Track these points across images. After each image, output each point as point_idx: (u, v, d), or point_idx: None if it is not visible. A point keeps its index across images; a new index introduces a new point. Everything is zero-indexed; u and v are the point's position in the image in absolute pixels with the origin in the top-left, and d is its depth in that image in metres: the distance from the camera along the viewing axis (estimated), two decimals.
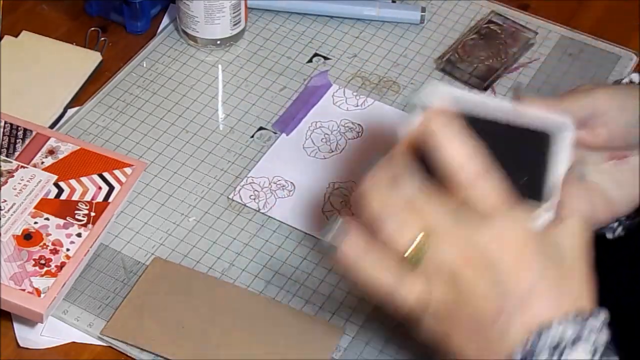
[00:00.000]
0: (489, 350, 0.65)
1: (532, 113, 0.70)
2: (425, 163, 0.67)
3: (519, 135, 0.69)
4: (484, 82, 1.03)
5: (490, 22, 1.09)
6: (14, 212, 0.87)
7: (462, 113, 0.68)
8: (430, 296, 0.66)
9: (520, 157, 0.70)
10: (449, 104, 0.68)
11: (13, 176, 0.90)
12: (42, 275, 0.83)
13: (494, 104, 0.69)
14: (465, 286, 0.65)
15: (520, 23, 1.09)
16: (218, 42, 1.07)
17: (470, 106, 0.68)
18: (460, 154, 0.66)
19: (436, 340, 0.68)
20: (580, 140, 0.80)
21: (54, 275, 0.83)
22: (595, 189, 0.82)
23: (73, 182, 0.90)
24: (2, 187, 0.89)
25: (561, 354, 0.63)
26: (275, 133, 1.00)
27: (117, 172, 0.92)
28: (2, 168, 0.91)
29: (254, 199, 0.94)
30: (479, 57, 1.05)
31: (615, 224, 0.86)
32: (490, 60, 1.05)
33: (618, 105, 0.81)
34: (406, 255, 0.66)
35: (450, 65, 1.05)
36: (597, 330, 0.65)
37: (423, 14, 1.10)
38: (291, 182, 0.95)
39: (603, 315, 0.66)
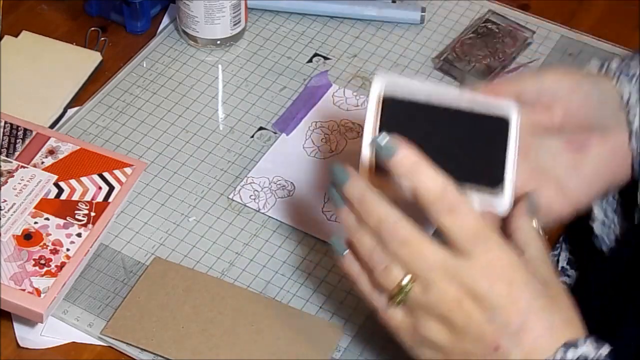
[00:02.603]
0: None
1: (482, 99, 0.70)
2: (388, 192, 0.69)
3: (470, 122, 0.70)
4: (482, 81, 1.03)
5: (487, 21, 1.09)
6: (14, 212, 0.87)
7: (411, 102, 0.69)
8: (422, 332, 0.69)
9: (472, 143, 0.70)
10: (400, 93, 0.68)
11: (13, 176, 0.90)
12: (42, 275, 0.83)
13: (444, 91, 0.70)
14: (459, 324, 0.67)
15: (518, 22, 1.09)
16: (218, 42, 1.07)
17: (420, 94, 0.69)
18: (435, 186, 0.67)
19: None
20: (537, 122, 0.78)
21: (54, 275, 0.83)
22: (549, 178, 0.79)
23: (73, 182, 0.90)
24: (2, 187, 0.89)
25: None
26: (275, 133, 1.00)
27: (117, 172, 0.92)
28: (2, 168, 0.91)
29: (254, 199, 0.94)
30: (476, 56, 1.05)
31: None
32: (488, 60, 1.05)
33: (568, 85, 0.78)
34: (392, 297, 0.69)
35: (448, 65, 1.05)
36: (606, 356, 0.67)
37: (423, 14, 1.10)
38: (291, 182, 0.95)
39: (607, 348, 0.67)
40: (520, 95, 0.76)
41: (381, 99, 0.72)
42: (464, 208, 0.67)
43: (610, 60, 0.81)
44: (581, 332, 0.68)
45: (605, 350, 0.67)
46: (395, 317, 0.70)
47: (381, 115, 0.72)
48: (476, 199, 0.68)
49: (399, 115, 0.71)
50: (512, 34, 1.08)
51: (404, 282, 0.68)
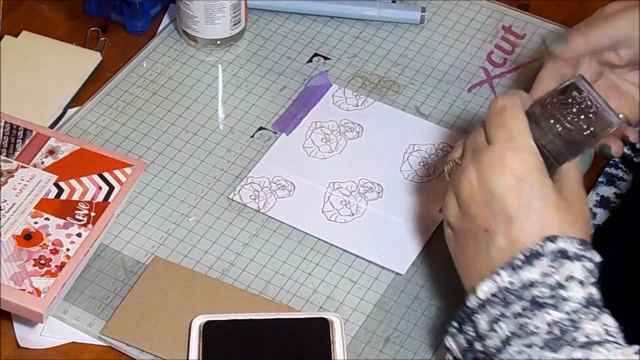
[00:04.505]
0: (476, 262, 0.74)
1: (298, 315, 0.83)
2: None
3: (294, 326, 0.82)
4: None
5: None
6: (14, 212, 0.87)
7: (231, 320, 0.82)
8: (445, 206, 0.77)
9: (298, 344, 0.81)
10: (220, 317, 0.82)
11: (13, 176, 0.90)
12: (42, 275, 0.83)
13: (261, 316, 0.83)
14: (464, 201, 0.74)
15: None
16: (218, 42, 1.07)
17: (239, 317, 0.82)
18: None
19: (449, 247, 0.78)
20: (604, 59, 0.88)
21: (54, 275, 0.83)
22: (626, 92, 0.89)
23: (73, 182, 0.90)
24: (2, 187, 0.89)
25: (561, 263, 0.70)
26: (275, 133, 1.00)
27: (117, 172, 0.92)
28: (2, 168, 0.91)
29: (254, 199, 0.94)
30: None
31: None
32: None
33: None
34: (445, 173, 0.79)
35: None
36: (595, 263, 0.71)
37: (423, 14, 1.10)
38: (291, 182, 0.95)
39: (599, 257, 0.72)
40: (596, 43, 0.87)
41: (202, 326, 0.82)
42: (511, 111, 0.75)
43: None
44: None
45: (595, 256, 0.71)
46: (446, 198, 0.78)
47: (204, 338, 0.82)
48: None
49: (222, 334, 0.82)
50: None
51: (456, 155, 0.79)
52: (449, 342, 0.75)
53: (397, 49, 1.09)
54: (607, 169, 1.03)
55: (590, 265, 0.71)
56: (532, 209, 0.72)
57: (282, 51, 1.08)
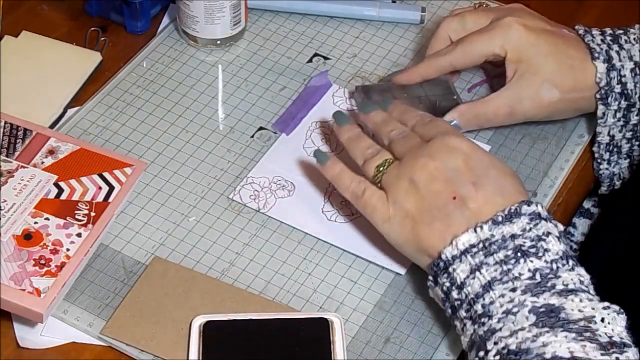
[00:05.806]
0: (451, 226, 0.80)
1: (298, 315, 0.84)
2: None
3: (294, 325, 0.83)
4: None
5: None
6: (14, 212, 0.87)
7: (232, 320, 0.82)
8: (394, 198, 0.83)
9: (300, 343, 0.82)
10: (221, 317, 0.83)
11: (13, 176, 0.90)
12: (42, 275, 0.83)
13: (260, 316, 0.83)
14: (423, 182, 0.81)
15: None
16: (218, 42, 1.07)
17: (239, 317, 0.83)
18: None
19: (404, 240, 0.83)
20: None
21: (54, 275, 0.83)
22: None
23: (73, 182, 0.90)
24: (2, 187, 0.89)
25: (538, 222, 0.78)
26: (275, 133, 1.00)
27: (117, 172, 0.92)
28: (2, 168, 0.91)
29: (254, 199, 0.94)
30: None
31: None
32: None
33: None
34: (375, 174, 0.85)
35: None
36: (559, 230, 0.80)
37: (423, 14, 1.10)
38: (291, 182, 0.95)
39: (562, 226, 0.80)
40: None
41: (202, 326, 0.82)
42: (435, 119, 0.88)
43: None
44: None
45: (559, 224, 0.80)
46: (373, 194, 0.84)
47: (204, 338, 0.82)
48: None
49: (222, 334, 0.82)
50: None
51: (386, 158, 0.85)
52: (431, 294, 0.82)
53: (397, 49, 1.09)
54: None
55: (559, 228, 0.79)
56: (489, 176, 0.81)
57: (282, 51, 1.08)
